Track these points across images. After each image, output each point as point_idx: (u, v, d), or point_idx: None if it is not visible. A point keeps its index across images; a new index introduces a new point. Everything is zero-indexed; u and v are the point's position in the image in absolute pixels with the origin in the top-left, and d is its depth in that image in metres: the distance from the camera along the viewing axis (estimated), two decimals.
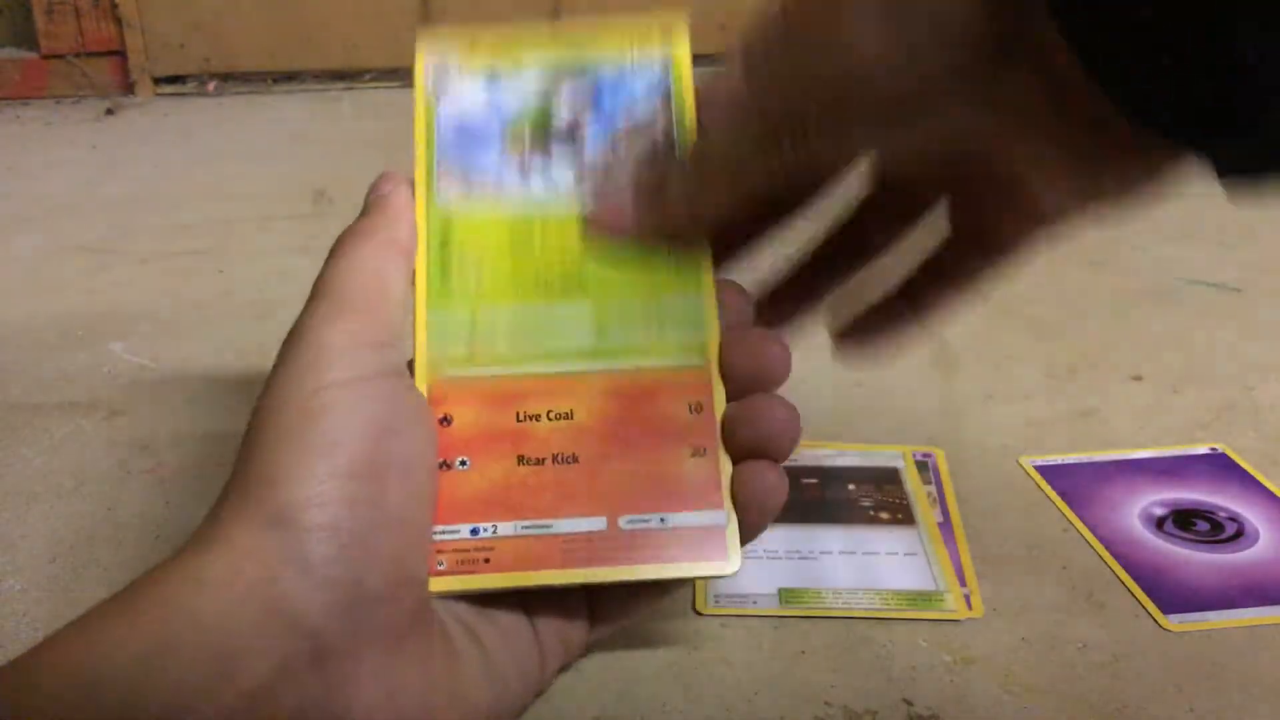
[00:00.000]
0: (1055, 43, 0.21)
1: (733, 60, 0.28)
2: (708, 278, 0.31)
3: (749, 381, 0.30)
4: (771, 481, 0.29)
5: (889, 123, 0.25)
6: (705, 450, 0.29)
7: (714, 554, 0.28)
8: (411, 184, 0.31)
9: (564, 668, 0.31)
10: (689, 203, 0.30)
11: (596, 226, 0.31)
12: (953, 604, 0.36)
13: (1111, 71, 0.21)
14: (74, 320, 0.59)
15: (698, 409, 0.30)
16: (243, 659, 0.23)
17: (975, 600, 0.36)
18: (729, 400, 0.30)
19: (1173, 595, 0.36)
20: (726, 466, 0.29)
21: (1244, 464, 0.43)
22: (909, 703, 0.31)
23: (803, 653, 0.33)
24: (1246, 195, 0.22)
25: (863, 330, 0.34)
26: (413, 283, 0.30)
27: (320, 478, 0.25)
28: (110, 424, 0.48)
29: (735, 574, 0.28)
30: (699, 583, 0.36)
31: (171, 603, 0.23)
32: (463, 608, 0.29)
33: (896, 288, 0.34)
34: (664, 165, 0.30)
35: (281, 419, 0.25)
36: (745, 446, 0.29)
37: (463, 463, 0.29)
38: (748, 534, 0.29)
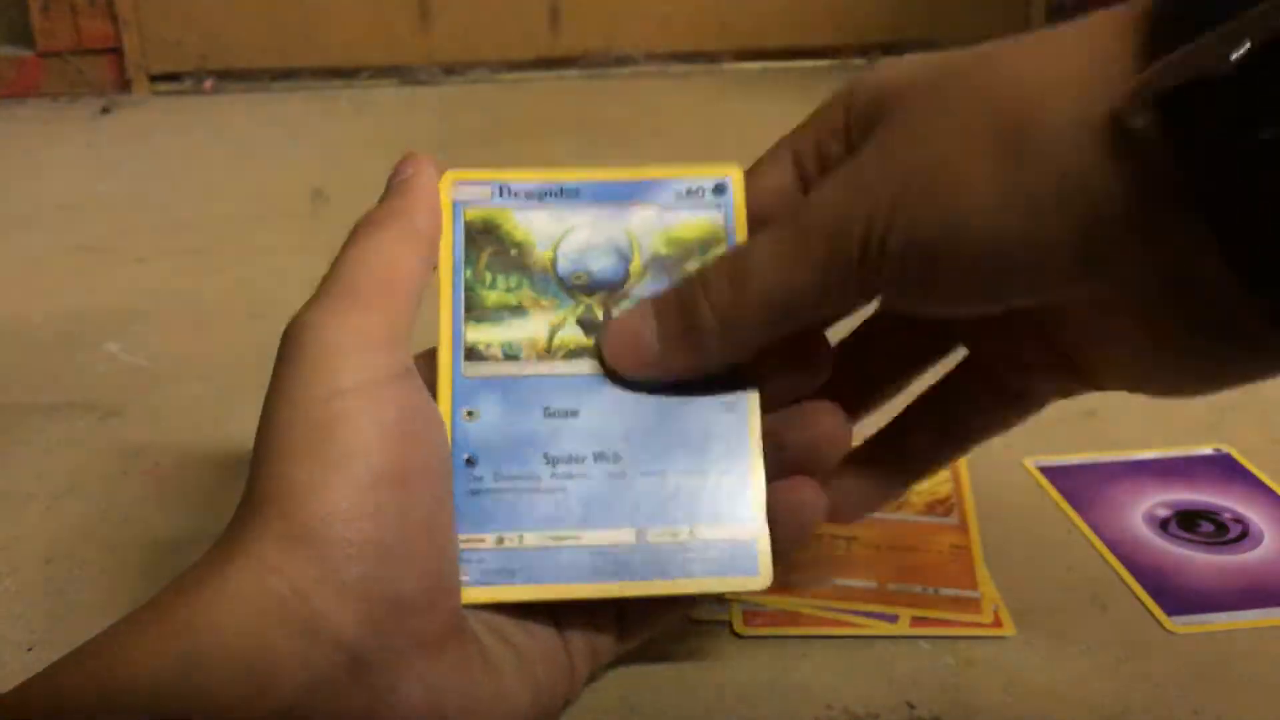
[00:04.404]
0: (1202, 242, 0.20)
1: (820, 187, 0.25)
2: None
3: (789, 386, 0.29)
4: (808, 498, 0.28)
5: (983, 289, 0.23)
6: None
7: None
8: (435, 165, 0.30)
9: (591, 677, 0.31)
10: (721, 338, 0.27)
11: (614, 360, 0.29)
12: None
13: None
14: (70, 320, 0.59)
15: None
16: (275, 674, 0.23)
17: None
18: (768, 409, 0.29)
19: (1177, 597, 0.35)
20: (760, 477, 0.28)
21: (1249, 465, 0.43)
22: (911, 706, 0.31)
23: (804, 655, 0.33)
24: None
25: (846, 489, 0.32)
26: (433, 270, 0.29)
27: (343, 491, 0.24)
28: (106, 424, 0.48)
29: (766, 589, 0.28)
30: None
31: (199, 617, 0.23)
32: (489, 614, 0.28)
33: (879, 439, 0.32)
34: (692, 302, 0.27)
35: (295, 430, 0.25)
36: (789, 454, 0.28)
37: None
38: (782, 552, 0.28)
